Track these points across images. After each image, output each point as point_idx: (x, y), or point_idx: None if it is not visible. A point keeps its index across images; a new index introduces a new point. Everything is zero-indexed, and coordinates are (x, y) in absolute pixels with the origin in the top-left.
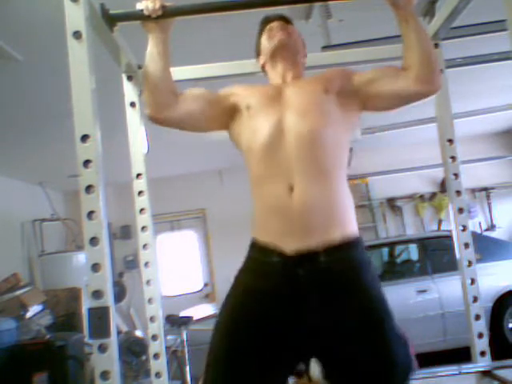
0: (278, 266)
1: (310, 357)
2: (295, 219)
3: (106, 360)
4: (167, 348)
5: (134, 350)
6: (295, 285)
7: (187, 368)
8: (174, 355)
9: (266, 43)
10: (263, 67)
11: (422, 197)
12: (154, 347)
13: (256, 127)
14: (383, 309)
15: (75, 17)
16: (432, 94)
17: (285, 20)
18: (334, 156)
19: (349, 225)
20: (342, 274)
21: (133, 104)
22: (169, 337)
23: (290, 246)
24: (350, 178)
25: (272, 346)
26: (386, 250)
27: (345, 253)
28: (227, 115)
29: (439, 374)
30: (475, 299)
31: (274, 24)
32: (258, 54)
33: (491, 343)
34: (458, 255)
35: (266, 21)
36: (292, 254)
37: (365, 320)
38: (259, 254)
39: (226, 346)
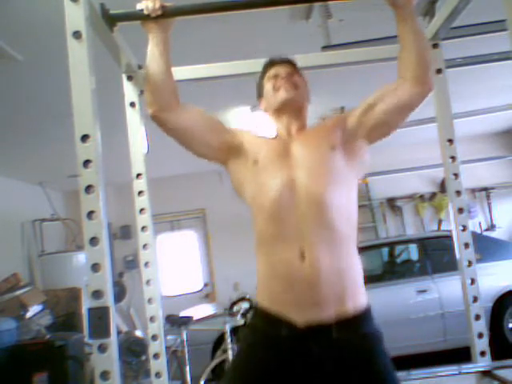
0: (288, 341)
1: None
2: (307, 289)
3: (106, 360)
4: (167, 348)
5: (134, 350)
6: (307, 360)
7: (187, 368)
8: (173, 355)
9: (270, 93)
10: (265, 111)
11: (422, 197)
12: (154, 347)
13: (264, 183)
14: (393, 379)
15: (75, 17)
16: (425, 95)
17: (290, 64)
18: (346, 219)
19: (360, 295)
20: (355, 348)
21: (133, 104)
22: (169, 337)
23: (300, 317)
24: None
25: None
26: (385, 250)
27: (358, 326)
28: (227, 151)
29: (439, 374)
30: (475, 299)
31: (280, 70)
32: (259, 94)
33: (491, 343)
34: (458, 255)
35: (271, 63)
36: (303, 326)
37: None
38: (266, 324)
39: None
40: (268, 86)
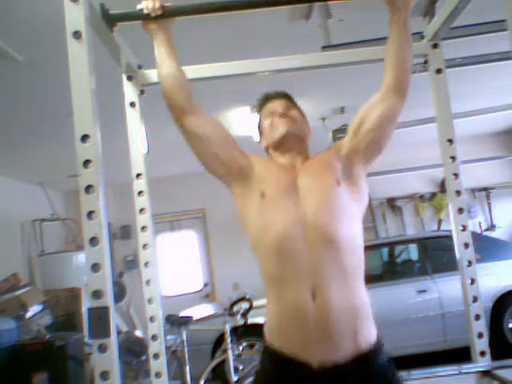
0: (303, 381)
1: None
2: (319, 328)
3: (106, 360)
4: (167, 348)
5: (134, 350)
6: None
7: (187, 368)
8: (173, 355)
9: (269, 130)
10: (266, 149)
11: (422, 197)
12: (154, 347)
13: (271, 219)
14: None
15: (75, 17)
16: (398, 105)
17: (286, 98)
18: (355, 254)
19: (371, 328)
20: (373, 381)
21: (133, 104)
22: (169, 337)
23: (314, 357)
24: None
25: None
26: (385, 250)
27: (372, 363)
28: (238, 173)
29: (439, 374)
30: (475, 299)
31: (276, 106)
32: (259, 131)
33: (491, 343)
34: (458, 255)
35: (266, 99)
36: (318, 367)
37: None
38: (278, 367)
39: None
40: (266, 123)
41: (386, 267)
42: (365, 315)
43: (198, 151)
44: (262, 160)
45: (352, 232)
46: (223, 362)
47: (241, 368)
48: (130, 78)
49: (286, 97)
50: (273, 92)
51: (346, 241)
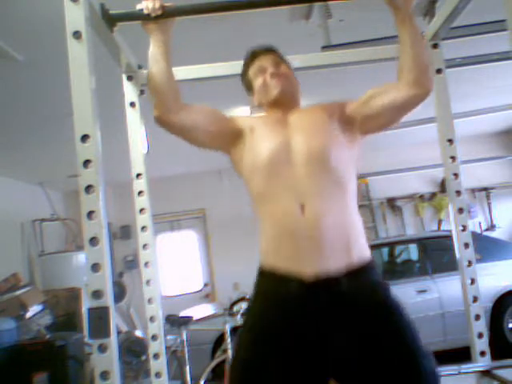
0: (298, 296)
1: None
2: (309, 241)
3: (106, 360)
4: (167, 348)
5: (134, 350)
6: (319, 313)
7: (187, 368)
8: (173, 355)
9: (261, 89)
10: (259, 105)
11: (422, 197)
12: (154, 347)
13: (261, 146)
14: (408, 324)
15: (75, 17)
16: (424, 96)
17: (273, 53)
18: (344, 171)
19: (364, 247)
20: (365, 297)
21: (133, 104)
22: (169, 337)
23: (308, 271)
24: None
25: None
26: (385, 250)
27: (365, 276)
28: (229, 138)
29: (440, 374)
30: (475, 299)
31: (265, 63)
32: (248, 88)
33: (491, 343)
34: (458, 255)
35: (253, 55)
36: (311, 279)
37: (392, 335)
38: (273, 283)
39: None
40: (257, 82)
41: (386, 267)
42: (356, 231)
43: (195, 139)
44: (252, 116)
45: (341, 152)
46: (223, 362)
47: None
48: (129, 78)
49: (273, 52)
50: (259, 48)
51: (334, 156)
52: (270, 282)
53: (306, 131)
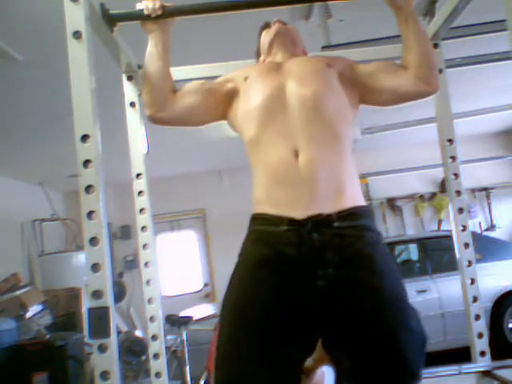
0: (289, 234)
1: (325, 328)
2: (303, 185)
3: (106, 360)
4: (167, 348)
5: (134, 350)
6: (310, 251)
7: (187, 368)
8: (173, 355)
9: (264, 39)
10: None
11: (422, 197)
12: (154, 347)
13: (254, 91)
14: (397, 275)
15: (75, 17)
16: (429, 95)
17: (282, 21)
18: (338, 119)
19: (358, 193)
20: (358, 239)
21: (133, 104)
22: (169, 337)
23: (300, 212)
24: None
25: (289, 319)
26: None
27: (358, 219)
28: (225, 102)
29: (439, 374)
30: (475, 299)
31: (272, 24)
32: (258, 55)
33: (491, 343)
34: (458, 255)
35: (265, 25)
36: (303, 219)
37: (381, 283)
38: (264, 225)
39: (241, 325)
40: (262, 38)
41: None
42: (350, 179)
43: (194, 122)
44: (246, 67)
45: (336, 99)
46: None
47: None
48: (129, 78)
49: (282, 21)
50: (271, 19)
51: (328, 103)
52: (262, 224)
53: (301, 77)
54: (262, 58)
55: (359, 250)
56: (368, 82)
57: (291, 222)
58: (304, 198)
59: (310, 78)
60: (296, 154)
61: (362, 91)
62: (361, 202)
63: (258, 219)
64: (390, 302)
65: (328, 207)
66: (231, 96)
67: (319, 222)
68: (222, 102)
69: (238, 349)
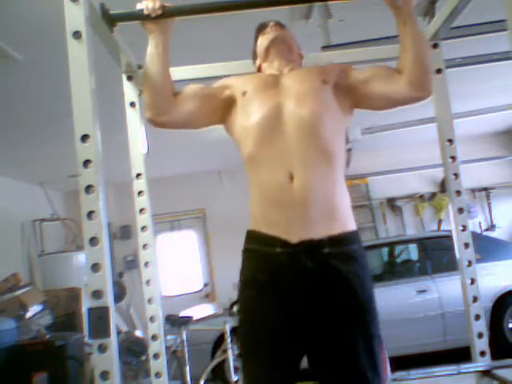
0: (282, 256)
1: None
2: (297, 208)
3: (106, 360)
4: (167, 348)
5: (133, 350)
6: (301, 274)
7: (187, 368)
8: (173, 355)
9: (260, 44)
10: (259, 69)
11: (422, 197)
12: (154, 347)
13: (252, 109)
14: (373, 304)
15: (75, 17)
16: (422, 99)
17: (279, 23)
18: (333, 142)
19: (349, 218)
20: (345, 268)
21: (133, 104)
22: (169, 337)
23: (293, 235)
24: (350, 178)
25: (288, 332)
26: (385, 250)
27: (348, 245)
28: (223, 108)
29: (439, 374)
30: (475, 299)
31: (268, 27)
32: (254, 58)
33: (491, 343)
34: (458, 255)
35: (261, 27)
36: (296, 243)
37: (355, 306)
38: (260, 245)
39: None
40: (259, 42)
41: (386, 267)
42: (342, 204)
43: (193, 126)
44: (243, 76)
45: (331, 122)
46: (223, 362)
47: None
48: (129, 78)
49: (279, 23)
50: (267, 20)
51: (324, 126)
52: (258, 243)
53: (297, 98)
54: (258, 62)
55: (346, 281)
56: (362, 88)
57: (285, 244)
58: (297, 221)
59: (306, 98)
60: (291, 177)
61: (357, 97)
62: (351, 226)
63: (253, 237)
64: (359, 337)
65: (320, 231)
66: (229, 103)
67: (311, 247)
68: (220, 108)
69: (256, 362)
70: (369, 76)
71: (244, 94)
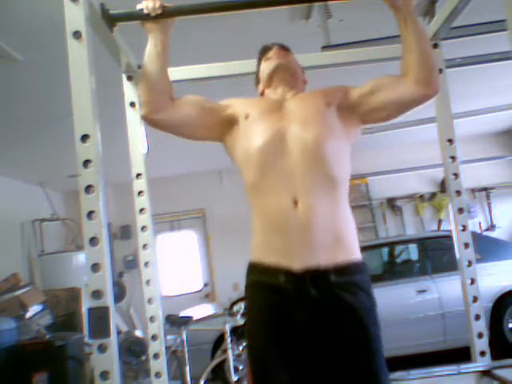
0: (286, 285)
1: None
2: (301, 235)
3: (106, 360)
4: (167, 348)
5: (134, 350)
6: (305, 303)
7: (187, 368)
8: (173, 355)
9: (264, 69)
10: (262, 94)
11: (422, 197)
12: (154, 347)
13: (255, 132)
14: (378, 333)
15: (75, 17)
16: (431, 97)
17: (283, 47)
18: (338, 166)
19: (355, 245)
20: (351, 296)
21: (133, 104)
22: (169, 337)
23: (297, 263)
24: (350, 178)
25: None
26: (385, 250)
27: (354, 274)
28: (223, 126)
29: (439, 374)
30: (475, 299)
31: (272, 51)
32: (257, 81)
33: (491, 343)
34: (458, 255)
35: (264, 50)
36: (300, 271)
37: (362, 338)
38: (263, 276)
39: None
40: (262, 66)
41: (386, 267)
42: (347, 231)
43: (187, 134)
44: (247, 99)
45: (335, 146)
46: (223, 362)
47: (241, 368)
48: (129, 78)
49: (283, 46)
50: (271, 43)
51: (328, 152)
52: (261, 274)
53: (302, 122)
54: (260, 87)
55: (352, 311)
56: (369, 101)
57: (289, 273)
58: (302, 247)
59: (310, 122)
60: (295, 202)
61: (363, 112)
62: (357, 254)
63: (256, 269)
64: (368, 346)
65: (325, 258)
66: (230, 123)
67: (316, 276)
68: (219, 125)
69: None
70: (372, 87)
71: (247, 116)
